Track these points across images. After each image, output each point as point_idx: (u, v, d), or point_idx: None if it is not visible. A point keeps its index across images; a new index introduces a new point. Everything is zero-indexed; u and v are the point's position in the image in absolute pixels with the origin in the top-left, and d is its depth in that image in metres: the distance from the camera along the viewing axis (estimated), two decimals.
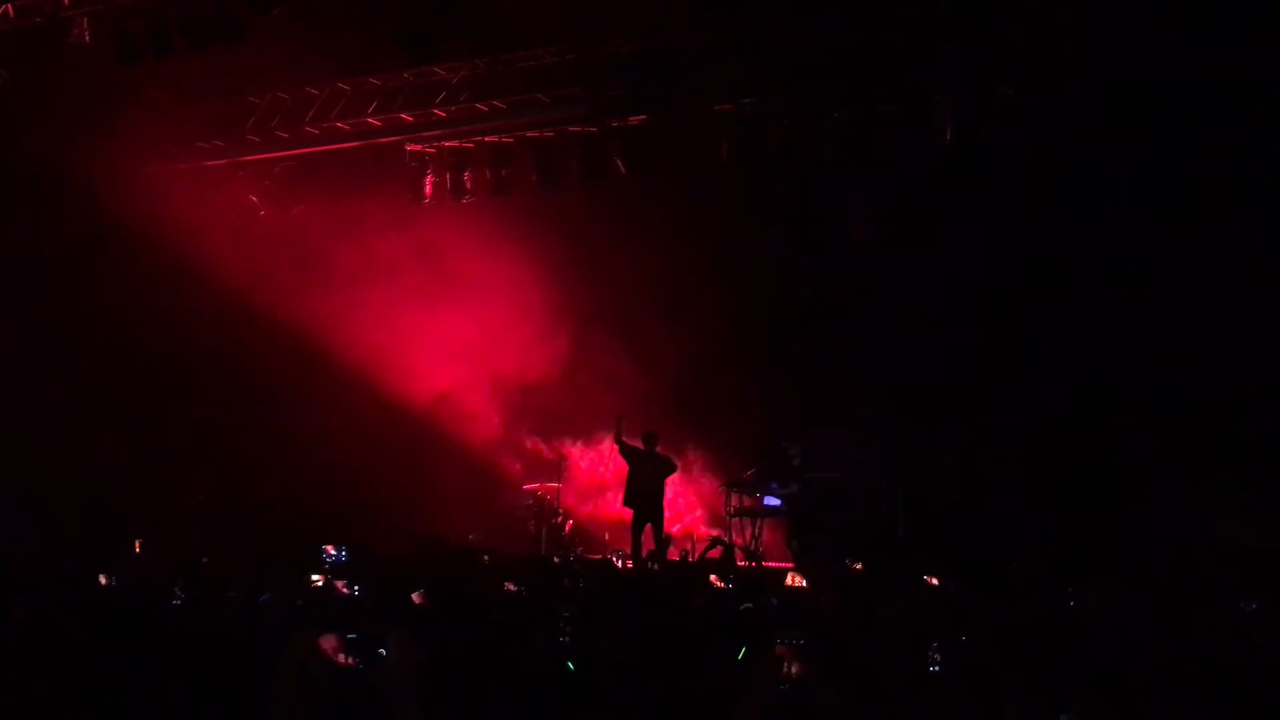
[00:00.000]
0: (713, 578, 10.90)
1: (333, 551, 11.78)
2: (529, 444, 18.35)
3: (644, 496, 15.14)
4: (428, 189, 16.75)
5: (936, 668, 6.62)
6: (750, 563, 14.81)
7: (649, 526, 14.98)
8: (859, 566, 13.66)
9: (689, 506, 17.46)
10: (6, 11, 14.72)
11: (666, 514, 15.57)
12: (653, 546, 14.60)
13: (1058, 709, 5.50)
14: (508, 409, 18.19)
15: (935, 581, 11.38)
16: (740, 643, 6.95)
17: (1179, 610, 9.26)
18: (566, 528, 16.98)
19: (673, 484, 16.21)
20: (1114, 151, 13.47)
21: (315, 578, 9.57)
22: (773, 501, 15.59)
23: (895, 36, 13.53)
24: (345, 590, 8.98)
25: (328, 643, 3.88)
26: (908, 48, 13.60)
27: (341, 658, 3.85)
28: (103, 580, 8.88)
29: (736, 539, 15.54)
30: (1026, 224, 14.64)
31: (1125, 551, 12.63)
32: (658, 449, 15.33)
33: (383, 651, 3.87)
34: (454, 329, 17.54)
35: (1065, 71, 13.03)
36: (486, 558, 12.54)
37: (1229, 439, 13.22)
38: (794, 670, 5.86)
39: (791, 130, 14.52)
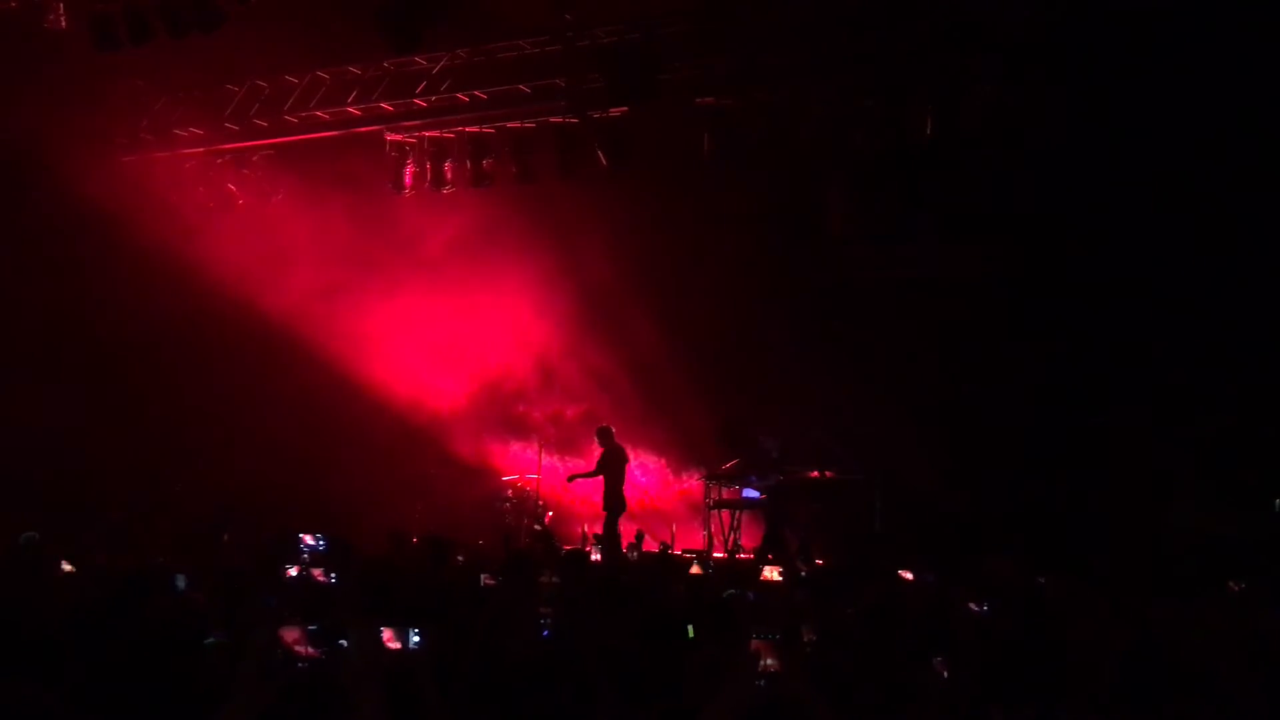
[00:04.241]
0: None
1: (310, 541, 11.68)
2: (508, 435, 18.32)
3: (619, 492, 15.41)
4: (408, 179, 16.69)
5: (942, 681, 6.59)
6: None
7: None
8: (820, 562, 13.71)
9: (671, 498, 17.49)
10: None
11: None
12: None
13: (1037, 707, 5.51)
14: (486, 400, 18.14)
15: (910, 576, 11.43)
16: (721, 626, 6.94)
17: (1150, 605, 9.33)
18: (546, 519, 16.96)
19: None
20: (1095, 145, 13.55)
21: (291, 569, 9.52)
22: (751, 494, 15.63)
23: (876, 31, 13.56)
24: (322, 579, 8.93)
25: (289, 633, 3.88)
26: (889, 42, 13.65)
27: (303, 648, 3.85)
28: (66, 567, 8.78)
29: (716, 531, 15.68)
30: (1008, 220, 14.68)
31: (1096, 547, 12.71)
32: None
33: (343, 643, 3.86)
34: (433, 321, 17.49)
35: (1045, 66, 13.12)
36: (462, 558, 12.44)
37: (1196, 435, 13.33)
38: (768, 665, 5.85)
39: (772, 124, 14.52)
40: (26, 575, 8.37)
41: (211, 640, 5.32)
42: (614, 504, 15.35)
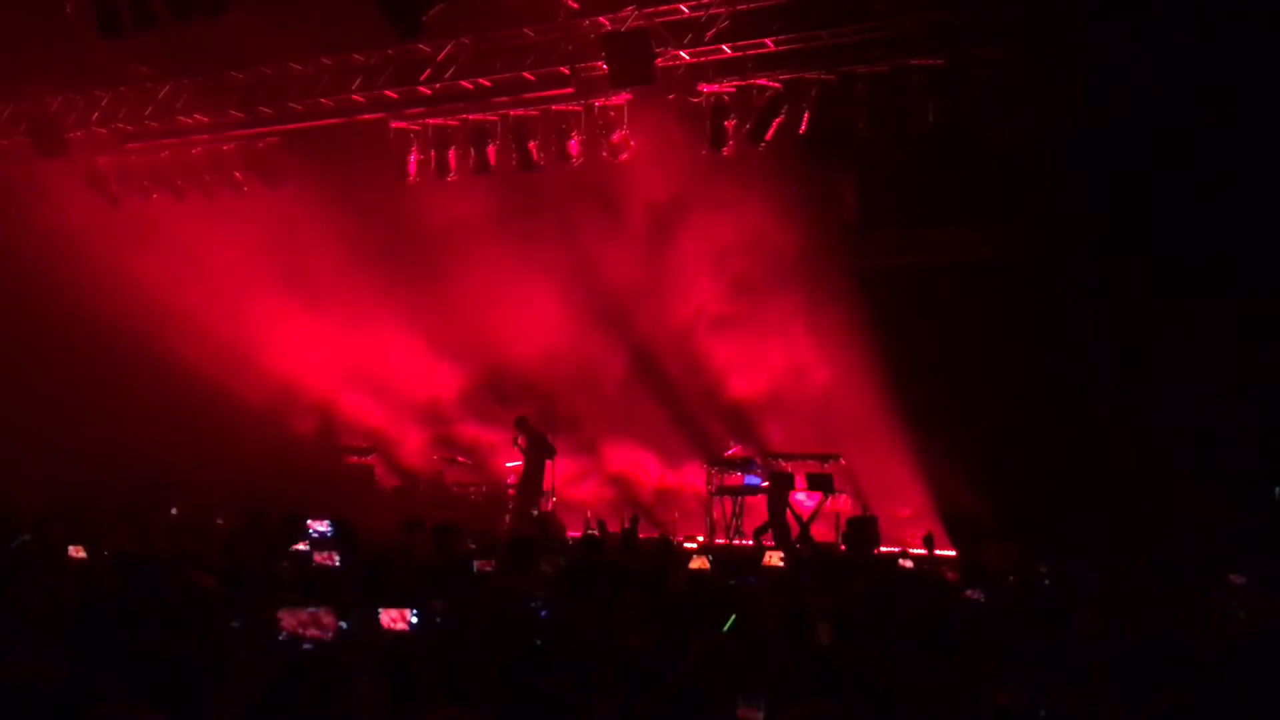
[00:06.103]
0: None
1: (317, 526, 11.72)
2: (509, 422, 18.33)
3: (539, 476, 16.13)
4: (412, 167, 16.68)
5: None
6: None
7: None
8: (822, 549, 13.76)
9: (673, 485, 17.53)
10: None
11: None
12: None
13: (1036, 695, 5.52)
14: (488, 387, 18.16)
15: (909, 564, 11.48)
16: (726, 614, 6.96)
17: (1151, 589, 9.36)
18: (549, 505, 17.00)
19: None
20: (1104, 134, 13.54)
21: (299, 546, 9.57)
22: (754, 480, 15.68)
23: (879, 15, 13.56)
24: (327, 563, 8.98)
25: (290, 615, 3.91)
26: (897, 26, 13.64)
27: (303, 630, 3.88)
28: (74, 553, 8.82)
29: (718, 518, 15.71)
30: (1016, 207, 14.68)
31: (1096, 535, 12.73)
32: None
33: (344, 624, 3.90)
34: (436, 309, 17.48)
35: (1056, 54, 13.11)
36: (473, 545, 12.47)
37: (1196, 423, 13.34)
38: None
39: (779, 109, 14.51)
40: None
41: (237, 624, 5.37)
42: (534, 487, 15.96)
